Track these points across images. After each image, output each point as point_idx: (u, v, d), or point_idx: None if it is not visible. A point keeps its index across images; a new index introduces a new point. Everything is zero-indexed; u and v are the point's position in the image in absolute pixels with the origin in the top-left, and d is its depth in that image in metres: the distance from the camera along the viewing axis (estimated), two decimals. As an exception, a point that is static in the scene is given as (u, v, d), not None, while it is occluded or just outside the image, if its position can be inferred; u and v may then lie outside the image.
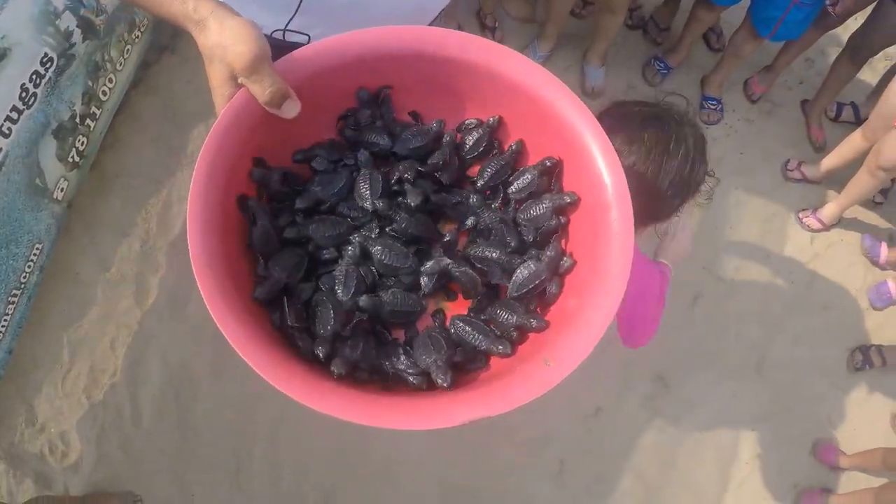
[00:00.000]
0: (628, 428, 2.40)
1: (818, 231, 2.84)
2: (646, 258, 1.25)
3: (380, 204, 0.83)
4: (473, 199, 0.89)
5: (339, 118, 0.91)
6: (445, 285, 0.86)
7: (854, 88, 3.00)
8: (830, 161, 2.80)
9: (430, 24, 1.11)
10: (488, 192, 0.91)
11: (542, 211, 0.85)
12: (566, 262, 0.83)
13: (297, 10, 0.97)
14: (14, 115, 1.68)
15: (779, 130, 3.02)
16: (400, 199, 0.86)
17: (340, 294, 0.79)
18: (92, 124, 2.11)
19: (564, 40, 2.91)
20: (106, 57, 2.08)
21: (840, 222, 2.86)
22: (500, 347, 0.79)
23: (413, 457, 2.24)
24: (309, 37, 1.04)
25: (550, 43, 2.86)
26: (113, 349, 2.18)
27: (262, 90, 0.76)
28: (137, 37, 2.26)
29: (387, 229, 0.85)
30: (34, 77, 1.73)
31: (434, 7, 1.09)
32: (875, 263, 2.82)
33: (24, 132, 1.75)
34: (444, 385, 0.75)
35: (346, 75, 0.85)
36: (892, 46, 2.70)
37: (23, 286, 1.91)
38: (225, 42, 0.75)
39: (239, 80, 0.77)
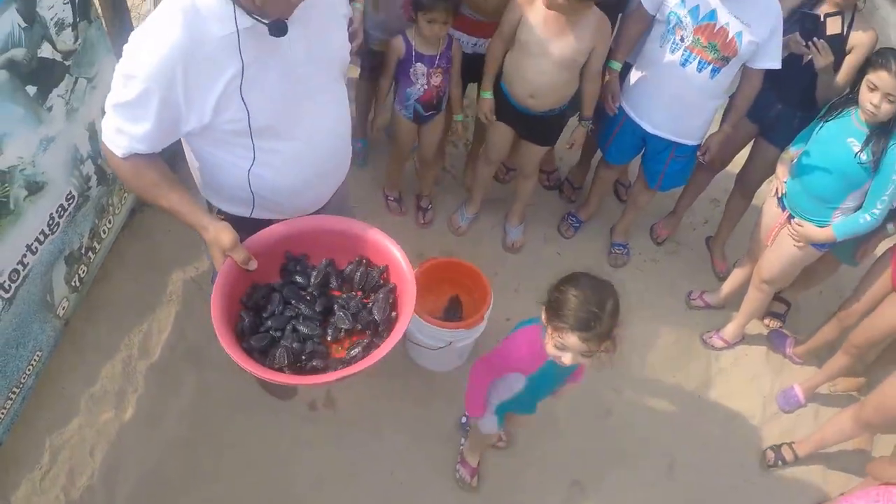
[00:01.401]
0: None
1: (722, 349, 3.33)
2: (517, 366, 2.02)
3: (305, 309, 1.70)
4: (348, 296, 1.76)
5: (280, 269, 1.77)
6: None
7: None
8: (728, 286, 3.37)
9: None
10: (355, 291, 1.78)
11: (382, 295, 1.73)
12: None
13: (252, 209, 1.83)
14: (41, 238, 2.20)
15: (683, 267, 3.63)
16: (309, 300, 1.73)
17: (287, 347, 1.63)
18: (92, 256, 2.63)
19: (490, 204, 3.57)
20: (110, 201, 2.67)
21: (745, 339, 3.36)
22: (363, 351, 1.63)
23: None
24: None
25: (476, 207, 3.49)
26: (92, 455, 2.51)
27: (238, 258, 1.60)
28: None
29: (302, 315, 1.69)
30: (59, 209, 2.28)
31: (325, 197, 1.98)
32: (781, 353, 3.31)
33: (46, 254, 2.27)
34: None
35: (279, 245, 1.75)
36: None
37: (21, 386, 2.30)
38: (218, 236, 1.59)
39: (226, 253, 1.59)
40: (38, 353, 2.36)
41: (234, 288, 1.63)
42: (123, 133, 1.53)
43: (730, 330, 3.32)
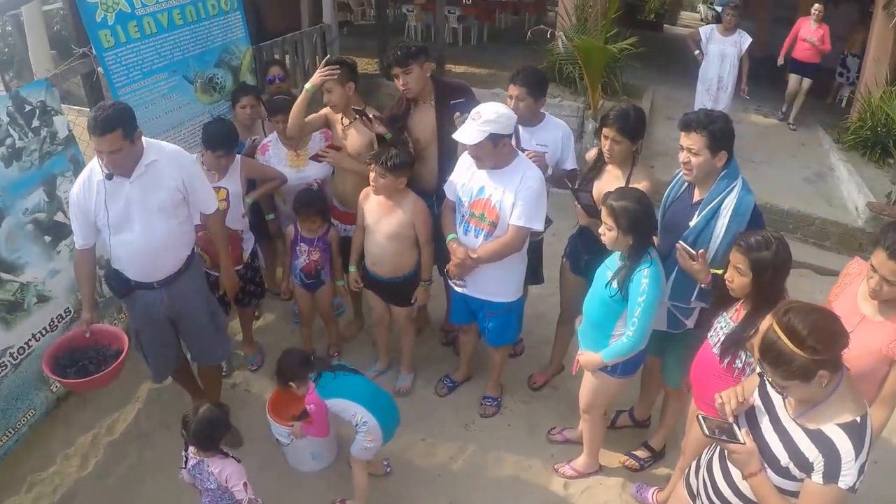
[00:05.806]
0: None
1: (572, 478, 4.01)
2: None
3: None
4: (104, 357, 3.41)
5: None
6: None
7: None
8: (582, 421, 4.29)
9: None
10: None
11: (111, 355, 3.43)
12: None
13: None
14: (43, 331, 3.91)
15: (555, 409, 4.51)
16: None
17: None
18: (85, 359, 4.27)
19: (396, 359, 4.85)
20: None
21: (602, 470, 4.04)
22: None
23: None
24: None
25: (384, 364, 4.84)
26: (54, 492, 3.95)
27: (82, 329, 3.48)
28: (123, 318, 4.56)
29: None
30: (59, 317, 4.00)
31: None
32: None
33: (46, 343, 3.91)
34: None
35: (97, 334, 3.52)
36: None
37: (16, 430, 3.84)
38: (84, 316, 3.46)
39: (81, 324, 3.48)
40: (32, 410, 3.95)
41: (71, 342, 3.43)
42: (76, 233, 3.34)
43: (580, 461, 4.07)
